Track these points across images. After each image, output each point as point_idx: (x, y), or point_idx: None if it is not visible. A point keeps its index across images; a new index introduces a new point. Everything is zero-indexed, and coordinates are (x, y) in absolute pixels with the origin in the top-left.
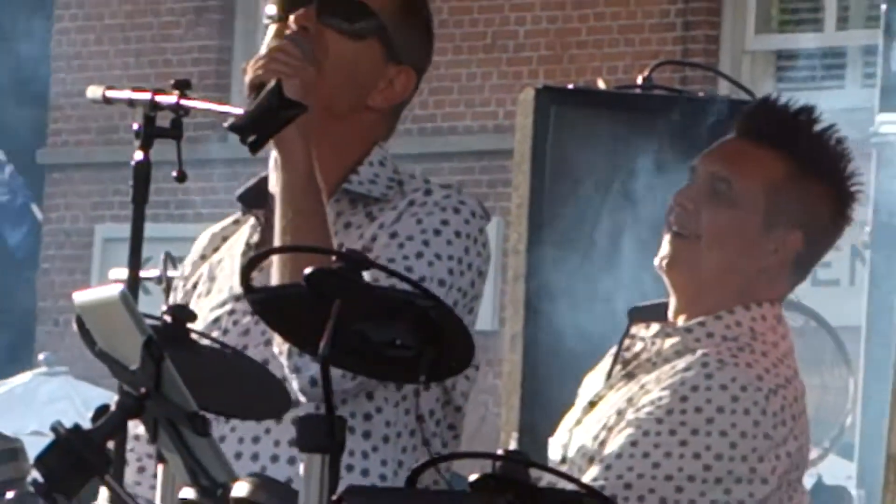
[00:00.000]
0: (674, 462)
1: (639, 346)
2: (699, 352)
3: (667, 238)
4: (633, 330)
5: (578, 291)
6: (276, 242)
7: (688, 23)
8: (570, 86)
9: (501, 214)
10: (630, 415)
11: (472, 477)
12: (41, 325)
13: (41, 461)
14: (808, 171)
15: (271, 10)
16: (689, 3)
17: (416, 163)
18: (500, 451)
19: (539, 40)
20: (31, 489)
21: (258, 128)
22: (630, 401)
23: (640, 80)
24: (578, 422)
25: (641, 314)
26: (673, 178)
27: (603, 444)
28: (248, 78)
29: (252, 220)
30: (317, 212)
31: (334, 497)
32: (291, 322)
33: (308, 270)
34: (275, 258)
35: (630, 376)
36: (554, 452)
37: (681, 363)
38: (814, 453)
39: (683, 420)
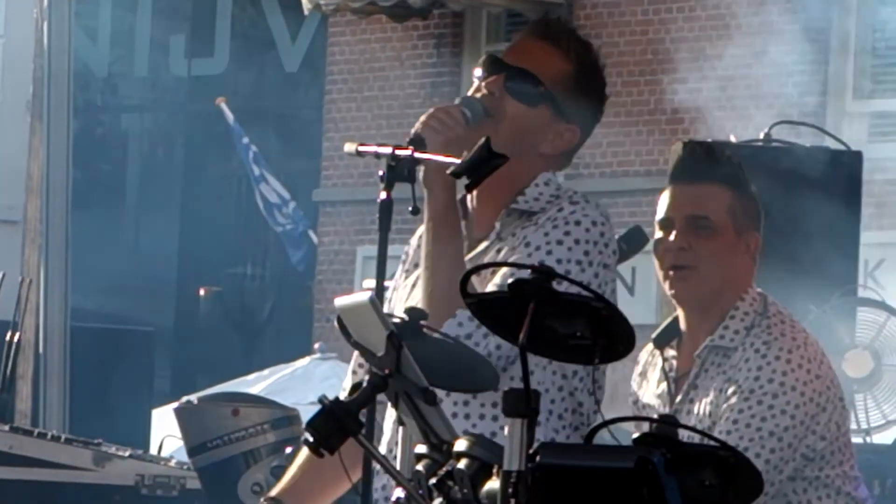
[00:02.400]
0: (769, 422)
1: (675, 363)
2: (748, 345)
3: (671, 275)
4: (665, 354)
5: None
6: (422, 256)
7: (801, 92)
8: (709, 139)
9: None
10: (724, 405)
11: (635, 435)
12: (317, 322)
13: (311, 425)
14: (738, 186)
15: (478, 73)
16: (803, 77)
17: (598, 198)
18: (655, 416)
19: (689, 106)
20: (304, 446)
21: (472, 173)
22: (715, 400)
23: (761, 136)
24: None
25: (662, 339)
26: (782, 207)
27: (710, 430)
28: (413, 128)
29: None
30: (451, 235)
31: (531, 451)
32: (498, 319)
33: (510, 280)
34: (421, 270)
35: (695, 387)
36: None
37: (737, 360)
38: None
39: (764, 391)
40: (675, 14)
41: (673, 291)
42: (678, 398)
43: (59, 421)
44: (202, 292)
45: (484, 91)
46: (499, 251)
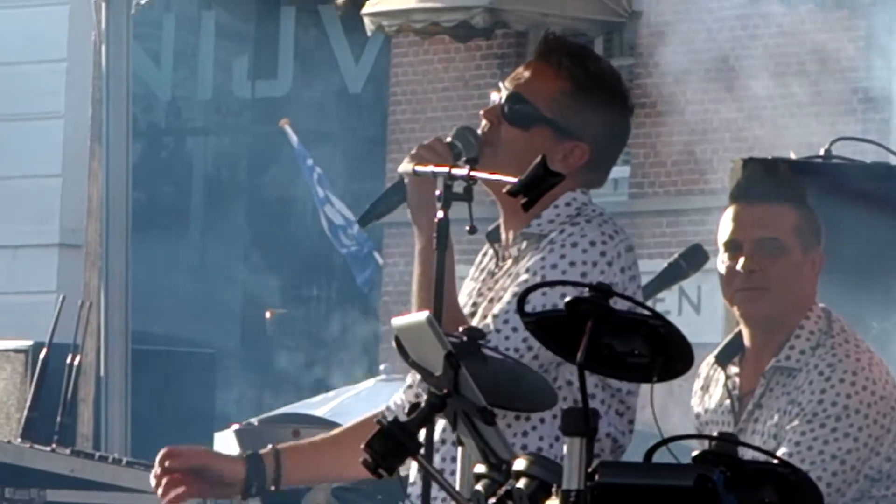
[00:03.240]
0: (831, 445)
1: (738, 381)
2: (812, 367)
3: (741, 296)
4: (728, 372)
5: None
6: (413, 282)
7: (865, 109)
8: (770, 156)
9: None
10: (787, 426)
11: (694, 453)
12: (382, 343)
13: (369, 445)
14: (801, 205)
15: (494, 97)
16: (868, 94)
17: (663, 217)
18: (717, 432)
19: (753, 122)
20: (364, 467)
21: (529, 191)
22: (780, 422)
23: (821, 152)
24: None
25: (725, 356)
26: (843, 222)
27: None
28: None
29: (490, 251)
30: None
31: (590, 470)
32: (556, 337)
33: (568, 299)
34: (413, 294)
35: (760, 406)
36: None
37: (801, 381)
38: None
39: (827, 414)
40: (739, 32)
41: (742, 311)
42: (742, 416)
43: (121, 444)
44: (268, 314)
45: (484, 120)
46: (509, 275)
